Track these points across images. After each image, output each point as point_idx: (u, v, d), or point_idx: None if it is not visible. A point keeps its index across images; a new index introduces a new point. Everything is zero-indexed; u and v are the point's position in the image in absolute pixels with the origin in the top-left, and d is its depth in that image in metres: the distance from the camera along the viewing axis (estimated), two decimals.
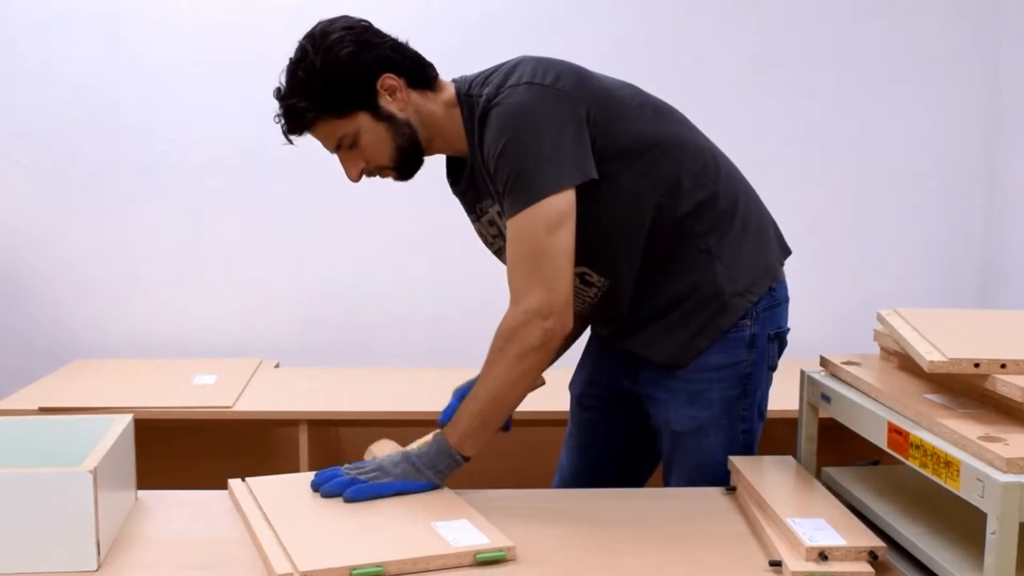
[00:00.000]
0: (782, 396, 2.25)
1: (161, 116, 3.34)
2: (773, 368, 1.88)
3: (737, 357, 1.82)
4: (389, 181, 1.89)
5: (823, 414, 1.77)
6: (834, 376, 1.74)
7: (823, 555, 1.34)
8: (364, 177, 1.79)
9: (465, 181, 1.80)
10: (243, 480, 1.69)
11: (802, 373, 1.82)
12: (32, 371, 3.15)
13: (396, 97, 1.71)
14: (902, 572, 1.40)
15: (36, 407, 2.63)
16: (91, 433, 1.52)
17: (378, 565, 1.33)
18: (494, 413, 1.68)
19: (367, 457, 1.78)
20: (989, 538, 1.21)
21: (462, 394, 1.75)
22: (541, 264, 1.62)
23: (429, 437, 1.70)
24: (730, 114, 3.44)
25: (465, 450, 1.66)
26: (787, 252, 1.96)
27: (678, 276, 1.79)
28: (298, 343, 3.43)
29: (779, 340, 1.88)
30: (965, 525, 1.43)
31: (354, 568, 1.32)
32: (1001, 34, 3.43)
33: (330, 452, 3.25)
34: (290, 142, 1.78)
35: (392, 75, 1.70)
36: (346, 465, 1.66)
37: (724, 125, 3.47)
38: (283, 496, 1.61)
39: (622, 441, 2.02)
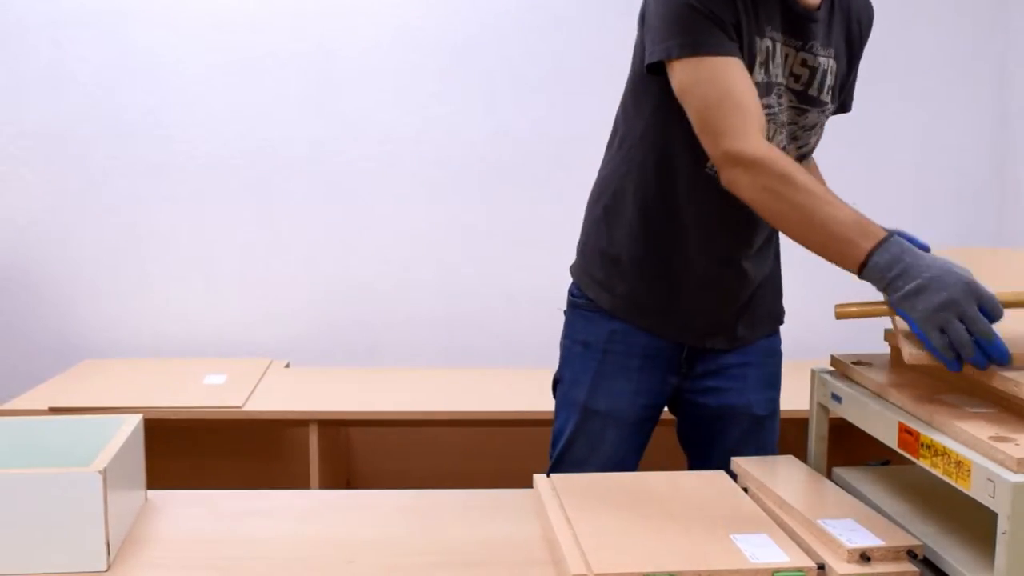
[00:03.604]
0: (788, 396, 2.24)
1: (171, 116, 3.35)
2: None
3: (780, 341, 1.99)
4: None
5: (833, 414, 1.76)
6: (844, 376, 1.74)
7: (865, 556, 1.34)
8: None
9: (820, 15, 1.69)
10: (548, 476, 1.67)
11: (813, 373, 1.81)
12: (42, 371, 3.17)
13: None
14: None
15: (46, 407, 2.64)
16: (101, 433, 1.52)
17: (671, 574, 1.31)
18: None
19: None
20: (1000, 538, 1.20)
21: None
22: None
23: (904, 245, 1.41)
24: None
25: None
26: None
27: (775, 253, 1.94)
28: (308, 343, 3.44)
29: None
30: (976, 525, 1.42)
31: (647, 575, 1.30)
32: (1009, 35, 3.42)
33: (340, 452, 3.26)
34: None
35: None
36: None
37: None
38: (587, 495, 1.59)
39: (638, 455, 1.94)
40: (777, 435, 1.95)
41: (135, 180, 3.36)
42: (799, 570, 1.33)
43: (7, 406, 2.68)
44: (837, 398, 1.69)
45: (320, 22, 3.34)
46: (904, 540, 1.38)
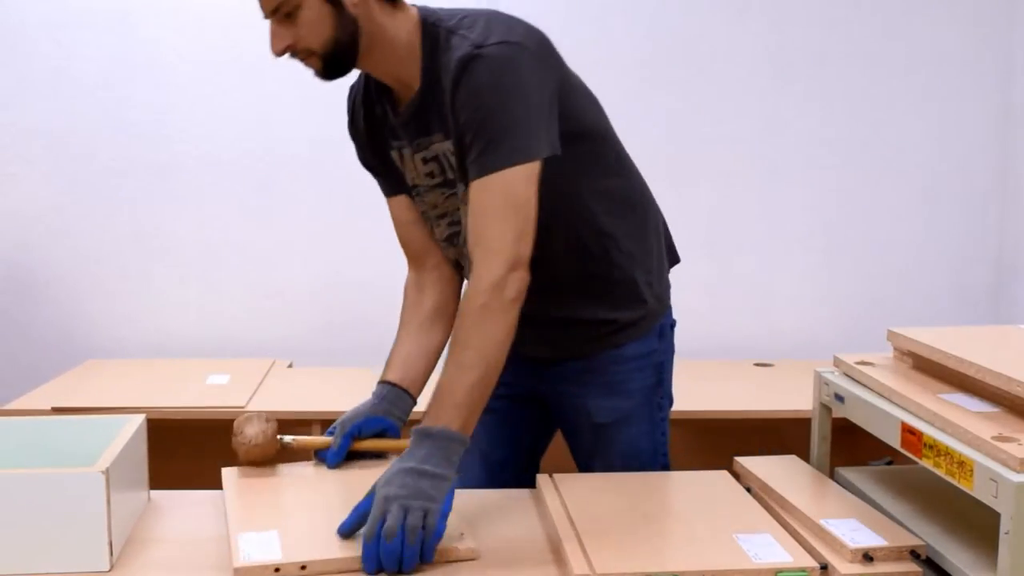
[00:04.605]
0: (791, 396, 2.24)
1: (175, 116, 3.35)
2: (673, 354, 1.92)
3: (650, 347, 1.85)
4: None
5: (836, 414, 1.76)
6: (848, 376, 1.74)
7: (868, 556, 1.34)
8: (286, 56, 1.61)
9: (410, 112, 1.70)
10: (551, 476, 1.66)
11: (816, 373, 1.81)
12: (45, 371, 3.16)
13: None
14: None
15: (49, 407, 2.64)
16: (104, 433, 1.52)
17: (674, 574, 1.31)
18: (491, 379, 1.52)
19: (238, 436, 1.68)
20: (1003, 538, 1.20)
21: (351, 433, 1.72)
22: (517, 217, 1.57)
23: (414, 438, 1.46)
24: (745, 114, 3.43)
25: (469, 429, 1.49)
26: (676, 259, 1.97)
27: (589, 261, 1.78)
28: (312, 343, 3.44)
29: (673, 328, 1.91)
30: (979, 525, 1.42)
31: (650, 574, 1.30)
32: (1014, 33, 3.42)
33: None
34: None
35: None
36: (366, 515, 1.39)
37: (739, 125, 3.49)
38: (590, 495, 1.59)
39: (522, 442, 1.96)
40: (635, 444, 1.85)
41: (138, 180, 3.36)
42: (802, 570, 1.33)
43: (10, 406, 2.68)
44: (840, 398, 1.69)
45: None
46: (907, 540, 1.38)
